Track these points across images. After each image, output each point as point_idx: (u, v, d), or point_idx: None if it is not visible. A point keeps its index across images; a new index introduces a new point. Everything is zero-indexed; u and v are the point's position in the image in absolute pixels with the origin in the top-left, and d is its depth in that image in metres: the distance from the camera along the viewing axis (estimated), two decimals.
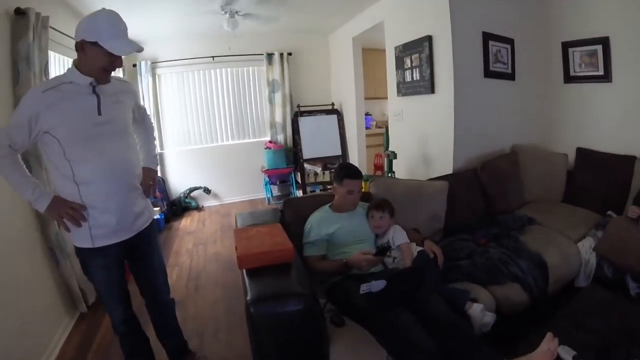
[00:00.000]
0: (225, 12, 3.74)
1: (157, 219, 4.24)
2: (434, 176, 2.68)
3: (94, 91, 1.42)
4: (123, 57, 1.44)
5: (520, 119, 3.20)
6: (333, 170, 4.71)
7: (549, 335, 1.29)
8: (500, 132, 3.11)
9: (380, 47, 3.99)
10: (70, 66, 1.42)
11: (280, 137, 5.35)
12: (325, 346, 1.46)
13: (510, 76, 3.08)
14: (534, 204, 2.86)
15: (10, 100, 2.13)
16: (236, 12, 3.76)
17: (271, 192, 5.37)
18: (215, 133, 5.37)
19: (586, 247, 2.27)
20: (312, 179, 5.19)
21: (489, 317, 1.67)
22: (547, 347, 1.26)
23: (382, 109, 6.35)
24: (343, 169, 2.04)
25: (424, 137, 3.27)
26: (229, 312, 2.54)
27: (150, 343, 1.83)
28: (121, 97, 1.55)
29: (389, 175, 3.37)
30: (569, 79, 2.99)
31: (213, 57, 4.97)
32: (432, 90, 3.05)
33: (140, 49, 1.43)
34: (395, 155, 3.33)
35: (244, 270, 1.56)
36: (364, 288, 1.51)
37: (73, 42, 1.39)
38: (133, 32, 2.90)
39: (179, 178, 5.23)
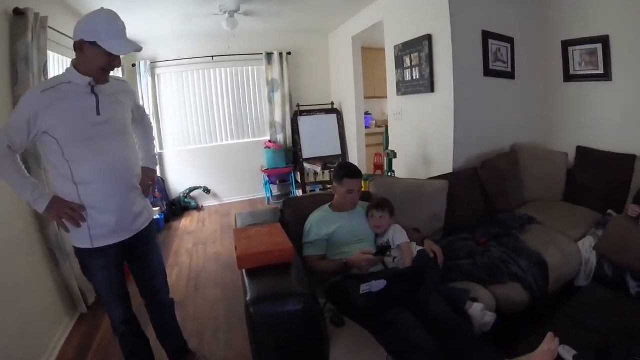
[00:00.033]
0: (225, 12, 3.73)
1: (157, 219, 4.24)
2: (434, 175, 2.67)
3: (92, 91, 1.42)
4: (122, 56, 1.44)
5: (520, 118, 3.20)
6: (333, 169, 4.70)
7: (549, 335, 1.29)
8: (500, 131, 3.11)
9: (380, 46, 3.99)
10: (69, 66, 1.42)
11: (279, 137, 5.35)
12: (325, 346, 1.46)
13: (510, 75, 3.08)
14: (534, 203, 2.86)
15: (9, 101, 2.12)
16: (235, 12, 3.75)
17: (271, 191, 5.37)
18: (214, 133, 5.36)
19: (586, 246, 2.27)
20: (311, 179, 5.19)
21: (489, 317, 1.67)
22: (547, 347, 1.26)
23: (381, 108, 6.34)
24: (343, 169, 2.03)
25: (423, 136, 3.27)
26: (229, 312, 2.54)
27: (150, 343, 1.83)
28: (120, 96, 1.55)
29: (389, 174, 3.37)
30: (568, 77, 2.99)
31: (212, 56, 4.97)
32: (432, 89, 3.05)
33: (139, 49, 1.43)
34: (395, 155, 3.33)
35: (244, 270, 1.56)
36: (364, 288, 1.51)
37: (72, 42, 1.39)
38: (132, 32, 2.90)
39: (179, 178, 5.23)
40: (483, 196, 2.70)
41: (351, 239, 1.95)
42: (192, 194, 5.23)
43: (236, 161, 5.39)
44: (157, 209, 4.36)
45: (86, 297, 2.59)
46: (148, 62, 4.76)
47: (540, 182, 2.91)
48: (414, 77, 3.25)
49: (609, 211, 2.51)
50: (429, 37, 2.97)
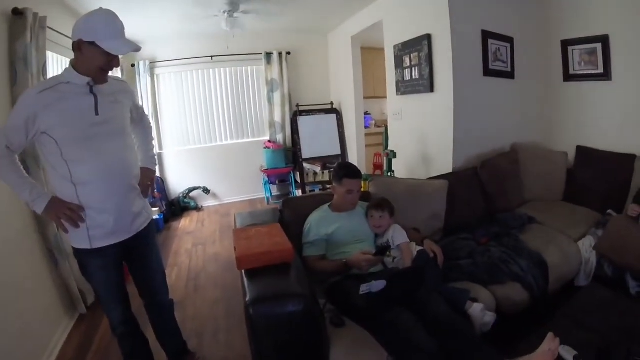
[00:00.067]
0: (224, 12, 3.73)
1: (156, 219, 4.24)
2: (434, 175, 2.67)
3: (91, 91, 1.41)
4: (121, 57, 1.44)
5: (519, 118, 3.19)
6: (332, 169, 4.71)
7: (550, 335, 1.29)
8: (500, 130, 3.11)
9: (380, 46, 3.98)
10: (67, 66, 1.41)
11: (279, 137, 5.34)
12: (325, 347, 1.46)
13: (510, 75, 3.08)
14: (534, 203, 2.86)
15: (8, 101, 2.12)
16: (234, 12, 3.75)
17: (270, 191, 5.37)
18: (214, 133, 5.35)
19: (586, 246, 2.27)
20: (311, 179, 5.19)
21: (490, 317, 1.67)
22: (548, 347, 1.26)
23: (381, 108, 6.34)
24: (342, 169, 2.03)
25: (423, 136, 3.27)
26: (229, 312, 2.54)
27: (149, 344, 1.82)
28: (119, 97, 1.54)
29: (389, 174, 3.37)
30: (568, 77, 2.99)
31: (212, 56, 4.96)
32: (432, 89, 3.05)
33: (137, 49, 1.42)
34: (394, 155, 3.33)
35: (243, 271, 1.55)
36: (364, 288, 1.51)
37: (71, 42, 1.38)
38: (131, 32, 2.89)
39: (178, 178, 5.22)
40: (483, 196, 2.69)
41: (351, 239, 1.95)
42: (191, 194, 5.23)
43: (236, 161, 5.39)
44: (157, 209, 4.36)
45: (85, 297, 2.58)
46: (147, 62, 4.76)
47: (540, 182, 2.91)
48: (414, 77, 3.25)
49: (609, 211, 2.51)
50: (428, 37, 2.97)
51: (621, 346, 1.30)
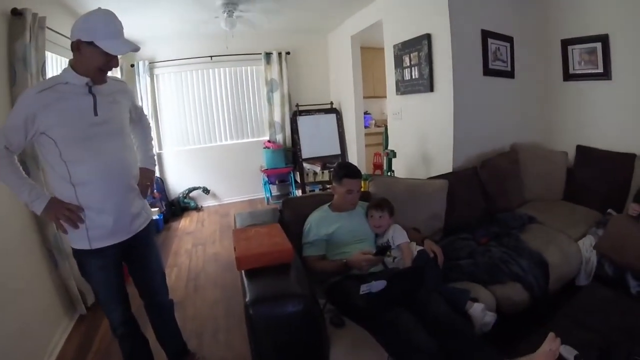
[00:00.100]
0: (224, 12, 3.72)
1: (156, 220, 4.23)
2: (434, 175, 2.67)
3: (90, 91, 1.41)
4: (120, 57, 1.43)
5: (519, 117, 3.19)
6: (332, 169, 4.70)
7: (551, 335, 1.29)
8: (500, 130, 3.11)
9: (379, 45, 3.98)
10: (66, 66, 1.41)
11: (279, 137, 5.34)
12: (325, 347, 1.46)
13: (510, 74, 3.07)
14: (534, 203, 2.85)
15: (7, 101, 2.11)
16: (234, 12, 3.74)
17: (270, 191, 5.36)
18: (213, 133, 5.35)
19: (587, 246, 2.27)
20: (311, 179, 5.18)
21: (490, 317, 1.66)
22: (549, 347, 1.25)
23: (381, 108, 6.34)
24: (342, 168, 2.03)
25: (423, 136, 3.27)
26: (228, 313, 2.53)
27: (149, 344, 1.82)
28: (118, 97, 1.54)
29: (389, 174, 3.37)
30: (568, 76, 2.98)
31: (211, 56, 4.96)
32: (431, 89, 3.04)
33: (136, 49, 1.42)
34: (394, 154, 3.33)
35: (243, 271, 1.55)
36: (364, 289, 1.50)
37: (70, 43, 1.38)
38: (130, 32, 2.88)
39: (178, 178, 5.22)
40: (483, 196, 2.69)
41: (351, 239, 1.95)
42: (191, 194, 5.23)
43: (235, 161, 5.38)
44: (157, 209, 4.36)
45: (85, 298, 2.58)
46: (147, 62, 4.75)
47: (540, 182, 2.91)
48: (414, 77, 3.25)
49: (609, 210, 2.51)
50: (428, 36, 2.97)
51: (622, 346, 1.30)
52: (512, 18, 3.02)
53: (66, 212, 1.41)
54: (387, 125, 3.89)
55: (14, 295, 1.95)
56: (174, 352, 1.95)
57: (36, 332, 2.07)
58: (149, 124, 1.90)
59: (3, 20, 2.13)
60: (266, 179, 5.28)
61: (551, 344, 1.26)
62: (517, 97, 3.15)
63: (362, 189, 2.13)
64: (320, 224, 1.97)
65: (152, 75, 4.87)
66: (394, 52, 3.50)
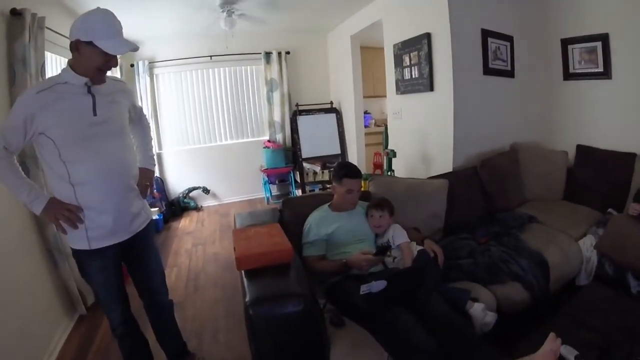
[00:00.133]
0: (223, 11, 3.72)
1: (156, 220, 4.23)
2: (434, 174, 2.67)
3: (89, 91, 1.41)
4: (119, 56, 1.43)
5: (519, 117, 3.19)
6: (332, 169, 4.70)
7: (551, 335, 1.28)
8: (500, 129, 3.10)
9: (379, 45, 3.98)
10: (65, 66, 1.41)
11: (279, 137, 5.33)
12: (325, 347, 1.45)
13: (510, 74, 3.07)
14: (534, 202, 2.85)
15: (6, 102, 2.11)
16: (234, 11, 3.74)
17: (270, 191, 5.36)
18: (213, 133, 5.35)
19: (587, 245, 2.26)
20: (311, 178, 5.18)
21: (490, 317, 1.66)
22: (549, 348, 1.25)
23: (381, 108, 6.34)
24: (342, 168, 2.02)
25: (423, 135, 3.26)
26: (228, 313, 2.53)
27: (149, 345, 1.82)
28: (117, 97, 1.54)
29: (389, 173, 3.36)
30: (568, 76, 2.98)
31: (211, 56, 4.96)
32: (431, 88, 3.04)
33: (135, 48, 1.41)
34: (394, 154, 3.32)
35: (243, 271, 1.55)
36: (364, 289, 1.50)
37: (69, 43, 1.38)
38: (130, 32, 2.88)
39: (178, 178, 5.21)
40: (483, 195, 2.69)
41: (351, 239, 1.94)
42: (191, 194, 5.22)
43: (235, 161, 5.38)
44: (156, 209, 4.35)
45: (85, 298, 2.58)
46: (146, 62, 4.75)
47: (541, 181, 2.91)
48: (413, 76, 3.24)
49: (610, 210, 2.51)
50: (428, 36, 2.96)
51: (622, 346, 1.30)
52: (512, 17, 3.02)
53: (65, 213, 1.41)
54: (387, 125, 3.89)
55: (14, 295, 1.95)
56: (173, 352, 1.95)
57: (36, 332, 2.07)
58: (149, 123, 1.90)
59: (2, 20, 2.12)
60: (266, 178, 5.27)
61: (552, 344, 1.26)
62: (517, 96, 3.15)
63: (362, 189, 2.13)
64: (320, 223, 1.97)
65: (151, 75, 4.87)
66: (394, 51, 3.50)
